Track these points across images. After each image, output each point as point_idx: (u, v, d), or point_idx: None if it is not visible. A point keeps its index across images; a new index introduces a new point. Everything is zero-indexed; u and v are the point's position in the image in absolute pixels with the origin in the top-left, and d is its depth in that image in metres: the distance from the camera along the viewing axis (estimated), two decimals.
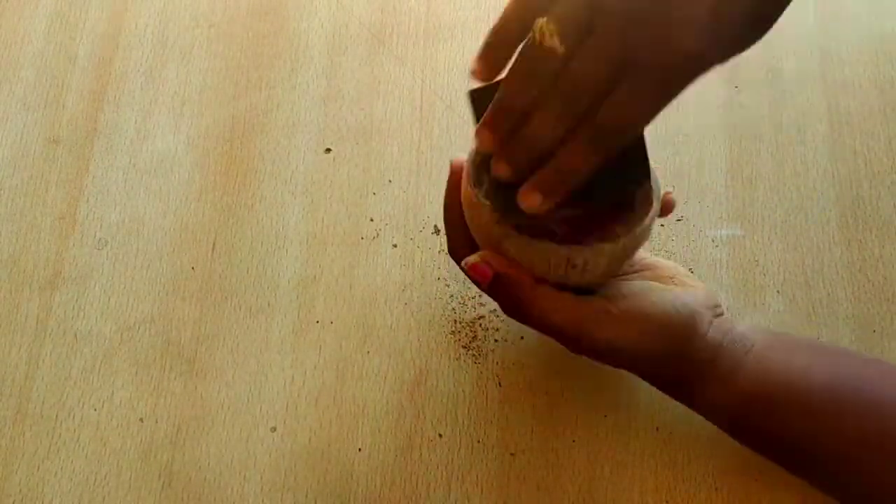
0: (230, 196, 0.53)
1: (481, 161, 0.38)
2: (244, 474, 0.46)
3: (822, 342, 0.47)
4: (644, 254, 0.44)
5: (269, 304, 0.50)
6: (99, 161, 0.54)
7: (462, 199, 0.39)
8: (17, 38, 0.57)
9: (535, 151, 0.33)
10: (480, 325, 0.49)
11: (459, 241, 0.41)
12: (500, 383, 0.47)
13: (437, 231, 0.51)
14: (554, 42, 0.30)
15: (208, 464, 0.46)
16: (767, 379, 0.39)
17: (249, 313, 0.50)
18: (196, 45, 0.57)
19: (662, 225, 0.51)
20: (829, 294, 0.49)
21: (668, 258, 0.50)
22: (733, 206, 0.51)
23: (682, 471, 0.45)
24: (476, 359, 0.48)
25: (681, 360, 0.39)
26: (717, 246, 0.50)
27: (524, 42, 0.32)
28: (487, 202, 0.36)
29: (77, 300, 0.50)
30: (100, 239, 0.52)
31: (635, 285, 0.40)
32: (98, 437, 0.47)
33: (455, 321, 0.49)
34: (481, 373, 0.48)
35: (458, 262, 0.41)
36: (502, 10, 0.32)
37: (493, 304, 0.49)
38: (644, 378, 0.42)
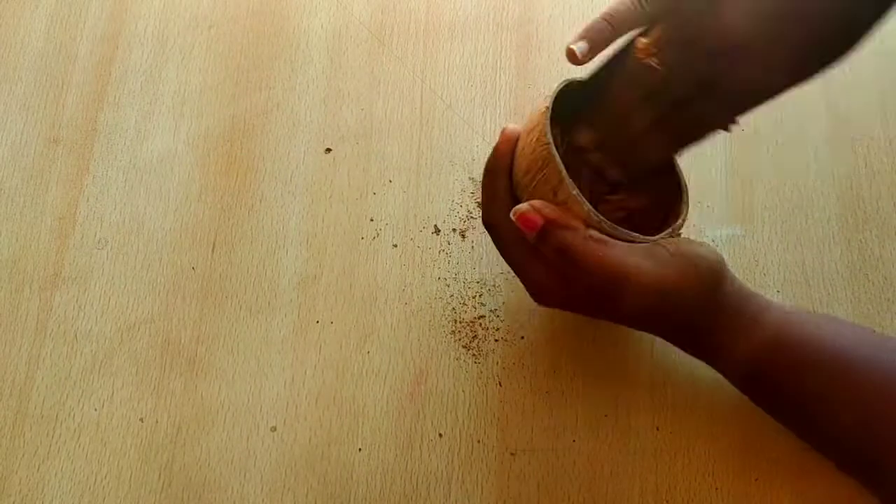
0: (230, 196, 0.53)
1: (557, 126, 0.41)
2: (244, 474, 0.46)
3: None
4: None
5: (269, 304, 0.50)
6: (99, 161, 0.54)
7: (522, 152, 0.40)
8: (17, 38, 0.57)
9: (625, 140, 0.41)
10: (480, 325, 0.49)
11: (501, 204, 0.41)
12: (500, 383, 0.47)
13: (437, 231, 0.51)
14: (653, 62, 0.38)
15: (209, 463, 0.46)
16: (787, 333, 0.39)
17: (249, 313, 0.50)
18: (196, 46, 0.57)
19: None
20: (829, 294, 0.49)
21: None
22: (733, 206, 0.51)
23: (681, 471, 0.45)
24: (476, 359, 0.48)
25: (714, 309, 0.40)
26: (717, 246, 0.50)
27: (624, 55, 0.39)
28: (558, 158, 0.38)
29: (77, 300, 0.50)
30: (100, 239, 0.52)
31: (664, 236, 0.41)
32: (98, 437, 0.47)
33: (455, 321, 0.49)
34: (481, 373, 0.48)
35: (492, 228, 0.42)
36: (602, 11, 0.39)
37: (494, 304, 0.49)
38: (672, 334, 0.42)
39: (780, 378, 0.40)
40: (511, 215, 0.39)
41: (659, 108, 0.39)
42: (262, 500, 0.45)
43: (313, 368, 0.48)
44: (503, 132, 0.41)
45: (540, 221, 0.38)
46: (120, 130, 0.54)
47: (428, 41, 0.56)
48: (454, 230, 0.51)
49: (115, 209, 0.52)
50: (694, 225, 0.51)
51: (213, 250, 0.51)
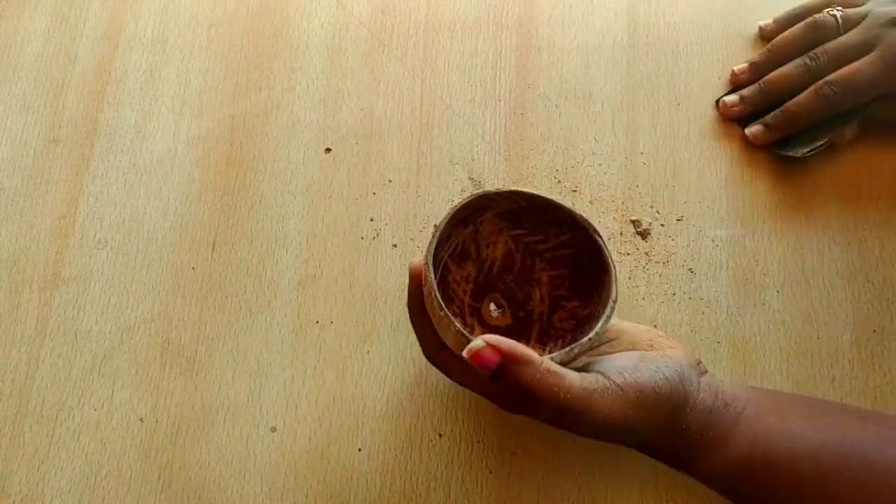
0: (230, 196, 0.53)
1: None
2: (244, 474, 0.46)
3: (818, 399, 0.45)
4: (616, 321, 0.43)
5: (268, 304, 0.50)
6: (99, 161, 0.54)
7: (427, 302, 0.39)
8: (17, 39, 0.57)
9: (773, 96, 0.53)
10: None
11: (431, 340, 0.40)
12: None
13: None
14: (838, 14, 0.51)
15: (208, 463, 0.46)
16: (759, 445, 0.38)
17: (249, 313, 0.50)
18: (196, 46, 0.57)
19: (663, 225, 0.51)
20: (828, 294, 0.49)
21: (668, 259, 0.50)
22: (733, 206, 0.51)
23: None
24: None
25: (676, 431, 0.38)
26: (717, 246, 0.50)
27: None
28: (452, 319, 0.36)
29: (77, 300, 0.50)
30: (100, 239, 0.52)
31: (624, 357, 0.39)
32: (98, 437, 0.47)
33: None
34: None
35: (435, 364, 0.40)
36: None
37: None
38: (642, 451, 0.40)
39: (752, 494, 0.38)
40: (464, 353, 0.35)
41: None
42: (262, 500, 0.45)
43: (313, 368, 0.48)
44: (410, 269, 0.39)
45: (496, 360, 0.35)
46: (120, 130, 0.54)
47: (428, 41, 0.56)
48: None
49: (114, 209, 0.52)
50: (694, 225, 0.51)
51: (212, 250, 0.51)
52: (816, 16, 0.52)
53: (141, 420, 0.47)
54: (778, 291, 0.49)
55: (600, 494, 0.45)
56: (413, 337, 0.49)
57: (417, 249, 0.51)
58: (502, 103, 0.55)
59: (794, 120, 0.51)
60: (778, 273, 0.50)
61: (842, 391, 0.47)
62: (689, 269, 0.50)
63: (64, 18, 0.58)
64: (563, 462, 0.46)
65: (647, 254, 0.50)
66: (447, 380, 0.47)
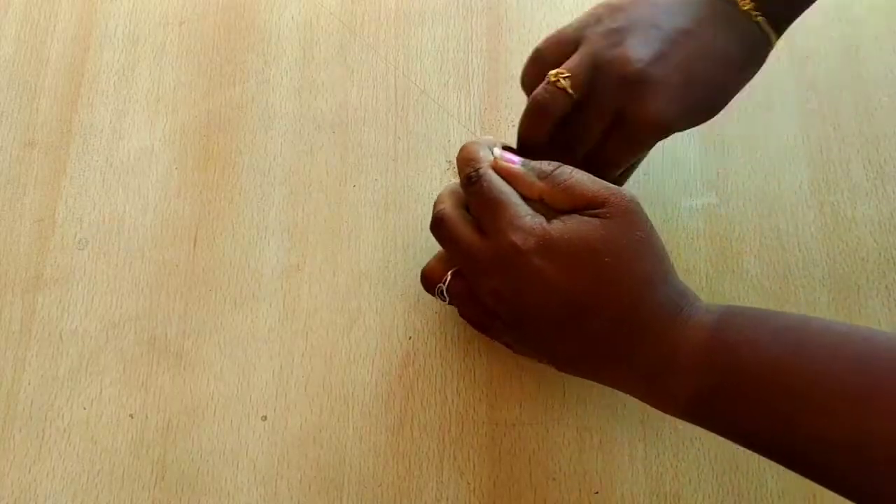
0: (209, 190, 0.53)
1: None
2: (237, 464, 0.46)
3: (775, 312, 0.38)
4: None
5: (253, 295, 0.50)
6: (75, 162, 0.54)
7: None
8: None
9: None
10: None
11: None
12: (487, 360, 0.48)
13: (417, 214, 0.52)
14: (566, 84, 0.40)
15: (201, 455, 0.46)
16: (721, 334, 0.36)
17: (234, 305, 0.50)
18: (168, 43, 0.57)
19: None
20: (804, 257, 0.50)
21: None
22: (707, 175, 0.52)
23: (669, 436, 0.46)
24: (462, 336, 0.48)
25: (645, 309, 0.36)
26: (693, 215, 0.51)
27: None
28: None
29: (60, 301, 0.50)
30: (80, 239, 0.52)
31: None
32: (88, 436, 0.47)
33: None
34: (468, 351, 0.48)
35: (434, 287, 0.43)
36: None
37: None
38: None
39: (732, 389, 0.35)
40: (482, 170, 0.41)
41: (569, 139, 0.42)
42: (256, 489, 0.46)
43: (301, 356, 0.49)
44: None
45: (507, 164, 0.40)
46: (95, 131, 0.54)
47: (399, 28, 0.57)
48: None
49: (94, 209, 0.52)
50: (670, 195, 0.52)
51: (194, 245, 0.51)
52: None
53: (131, 416, 0.47)
54: (755, 257, 0.50)
55: (591, 464, 0.46)
56: (399, 319, 0.49)
57: (399, 233, 0.51)
58: (475, 86, 0.55)
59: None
60: (754, 239, 0.51)
61: None
62: (667, 239, 0.50)
63: (34, 22, 0.58)
64: (552, 434, 0.46)
65: None
66: (436, 358, 0.48)
